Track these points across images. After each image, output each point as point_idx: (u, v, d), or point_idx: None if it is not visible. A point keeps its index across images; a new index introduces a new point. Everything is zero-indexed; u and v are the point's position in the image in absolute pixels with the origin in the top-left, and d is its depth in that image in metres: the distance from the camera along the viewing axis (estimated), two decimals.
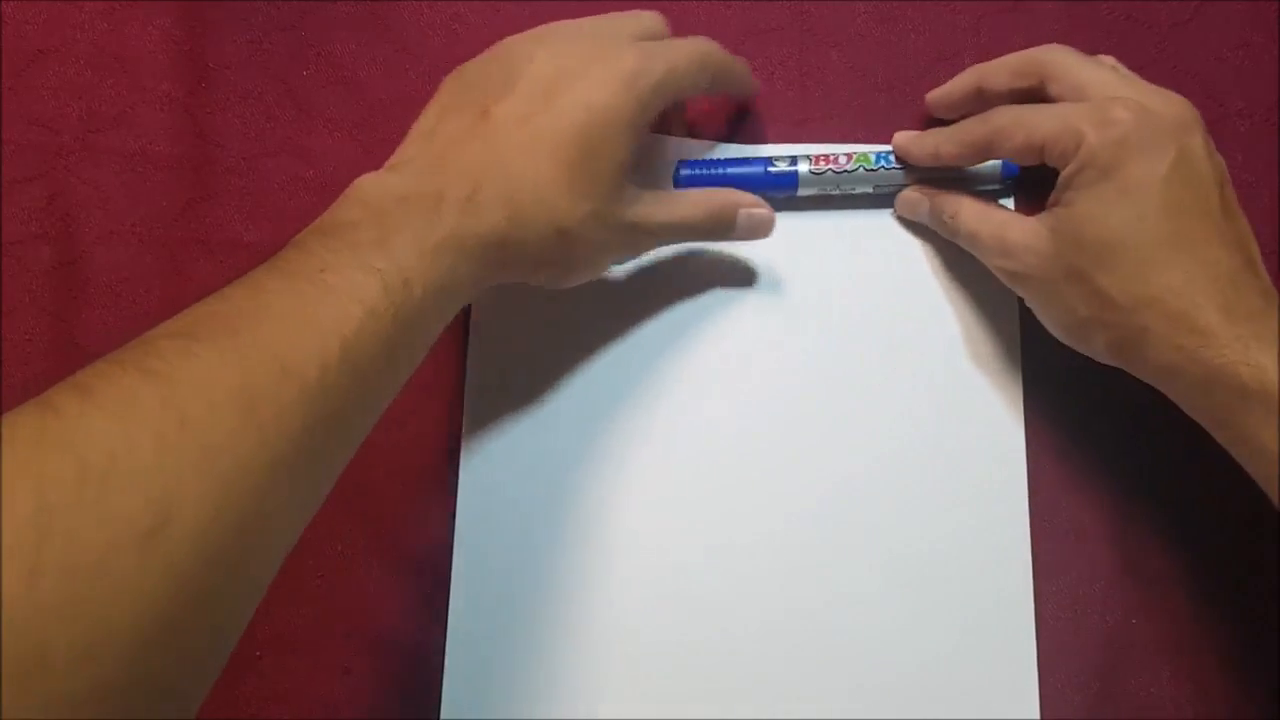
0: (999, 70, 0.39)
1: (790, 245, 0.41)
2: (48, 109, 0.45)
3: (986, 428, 0.40)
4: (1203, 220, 0.33)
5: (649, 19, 0.38)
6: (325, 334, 0.28)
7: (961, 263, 0.41)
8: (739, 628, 0.39)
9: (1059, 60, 0.37)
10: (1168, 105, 0.35)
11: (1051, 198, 0.36)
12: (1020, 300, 0.39)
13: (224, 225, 0.44)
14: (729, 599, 0.39)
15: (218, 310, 0.28)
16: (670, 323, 0.42)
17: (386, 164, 0.34)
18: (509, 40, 0.36)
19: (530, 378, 0.41)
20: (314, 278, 0.29)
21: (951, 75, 0.43)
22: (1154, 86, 0.36)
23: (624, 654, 0.39)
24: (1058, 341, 0.37)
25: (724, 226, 0.39)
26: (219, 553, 0.24)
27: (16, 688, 0.20)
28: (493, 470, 0.40)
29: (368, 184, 0.33)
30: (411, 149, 0.35)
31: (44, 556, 0.21)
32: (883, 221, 0.42)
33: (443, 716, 0.38)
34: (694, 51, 0.37)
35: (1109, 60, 0.39)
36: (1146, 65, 0.43)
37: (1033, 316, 0.38)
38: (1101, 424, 0.40)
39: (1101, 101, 0.35)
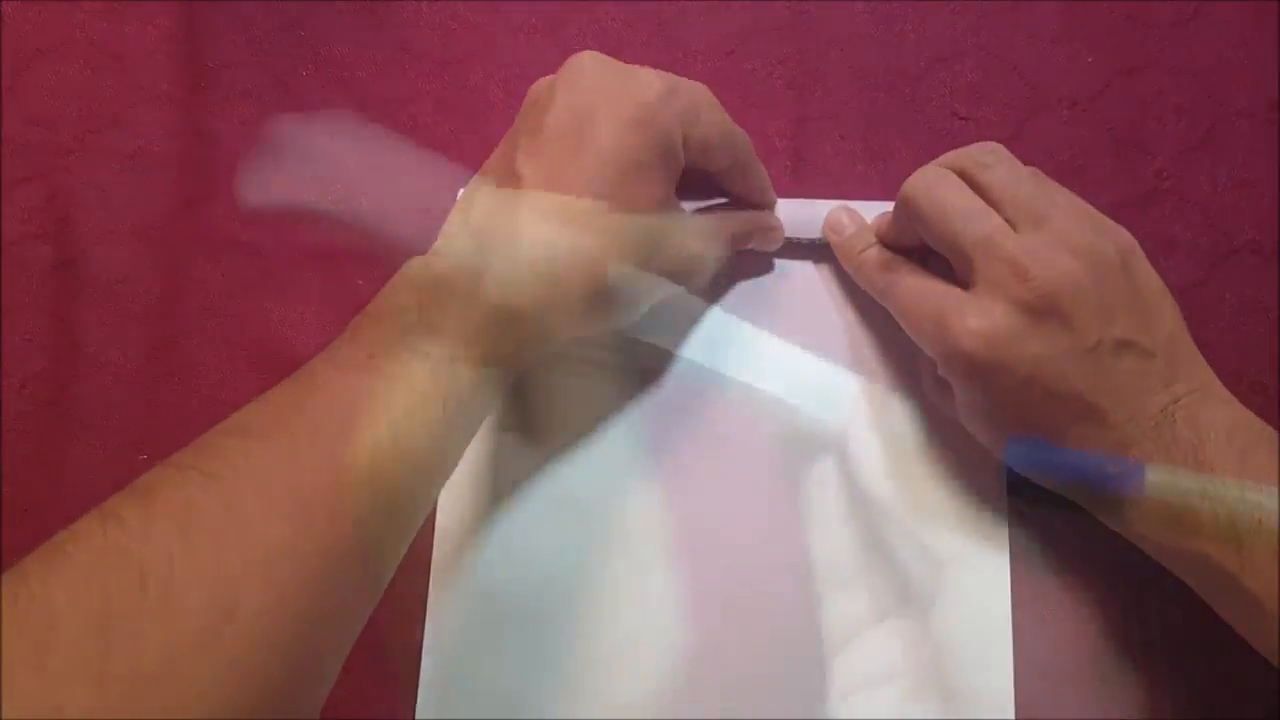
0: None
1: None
2: (47, 109, 0.45)
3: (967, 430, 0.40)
4: (1068, 402, 0.32)
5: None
6: (375, 421, 0.28)
7: None
8: (716, 630, 0.39)
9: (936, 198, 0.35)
10: (1033, 290, 0.32)
11: None
12: None
13: (223, 225, 0.44)
14: (706, 604, 0.39)
15: (274, 403, 0.29)
16: (648, 363, 0.41)
17: (438, 238, 0.34)
18: (542, 81, 0.35)
19: (509, 397, 0.41)
20: (364, 364, 0.29)
21: (951, 76, 0.43)
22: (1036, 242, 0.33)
23: (601, 657, 0.39)
24: None
25: (740, 246, 0.40)
26: (280, 647, 0.24)
27: None
28: (472, 478, 0.40)
29: (416, 266, 0.32)
30: (456, 220, 0.34)
31: (110, 665, 0.22)
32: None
33: (417, 717, 0.38)
34: (724, 119, 0.36)
35: (1000, 169, 0.35)
36: (1147, 65, 0.43)
37: None
38: None
39: (951, 321, 0.33)
